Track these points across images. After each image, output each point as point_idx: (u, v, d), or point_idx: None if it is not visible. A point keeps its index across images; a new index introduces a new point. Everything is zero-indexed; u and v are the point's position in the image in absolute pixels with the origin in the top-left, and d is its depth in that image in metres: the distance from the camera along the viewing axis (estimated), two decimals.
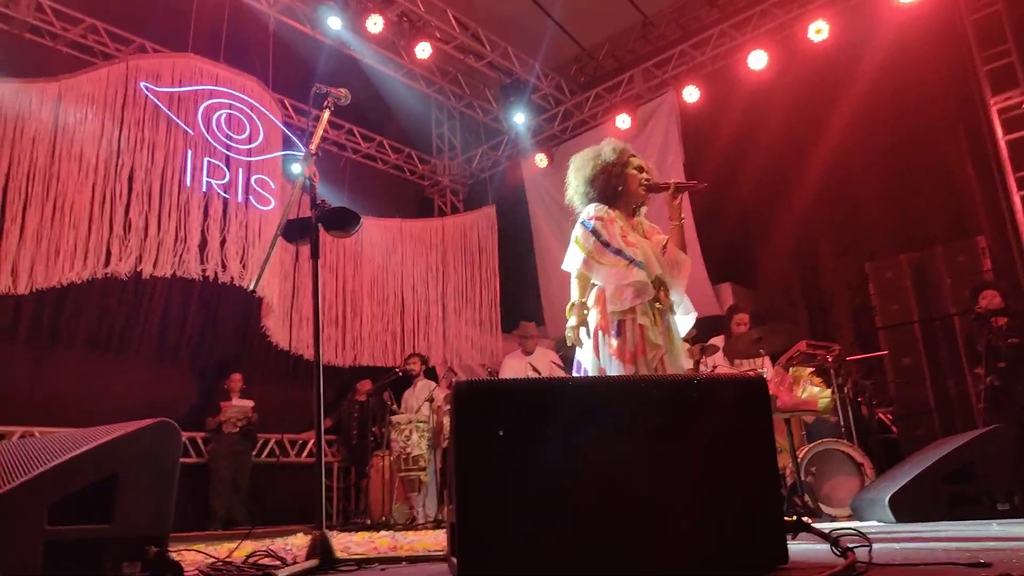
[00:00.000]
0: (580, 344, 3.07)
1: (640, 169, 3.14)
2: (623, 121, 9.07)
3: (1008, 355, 5.63)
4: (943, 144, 7.47)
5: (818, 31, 7.52)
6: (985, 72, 6.97)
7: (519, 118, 9.51)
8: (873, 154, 7.68)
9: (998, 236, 6.98)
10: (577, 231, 3.06)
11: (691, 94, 8.63)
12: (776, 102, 7.94)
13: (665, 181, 3.14)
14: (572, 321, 3.05)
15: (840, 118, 7.53)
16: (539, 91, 9.63)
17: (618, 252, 2.93)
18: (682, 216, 3.07)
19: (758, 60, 7.96)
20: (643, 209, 3.24)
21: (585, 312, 3.03)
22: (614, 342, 2.92)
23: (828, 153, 7.72)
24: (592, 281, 3.05)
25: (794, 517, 2.50)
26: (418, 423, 6.72)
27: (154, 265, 6.97)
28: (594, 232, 2.98)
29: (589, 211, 3.07)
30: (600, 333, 2.98)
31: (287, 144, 8.48)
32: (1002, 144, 6.80)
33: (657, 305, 2.95)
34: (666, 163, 8.82)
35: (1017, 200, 6.67)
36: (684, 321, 3.13)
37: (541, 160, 9.92)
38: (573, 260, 3.05)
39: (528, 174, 10.29)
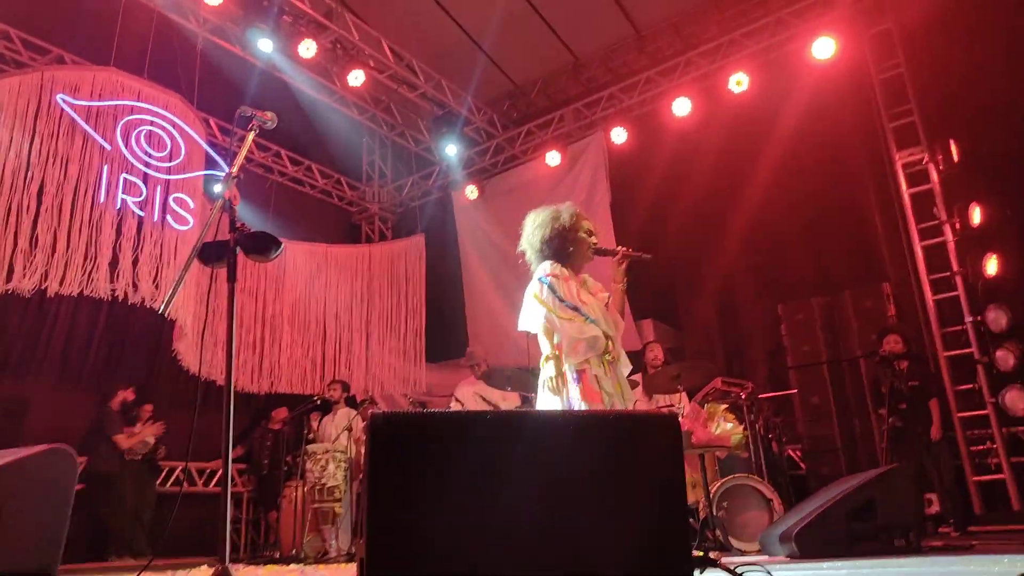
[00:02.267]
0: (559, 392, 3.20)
1: (589, 233, 3.38)
2: (553, 158, 9.23)
3: (909, 397, 5.93)
4: (855, 194, 7.88)
5: (739, 83, 7.87)
6: (891, 128, 7.40)
7: (451, 150, 9.56)
8: (792, 201, 8.01)
9: (902, 283, 7.36)
10: (534, 288, 3.26)
11: (619, 135, 8.86)
12: (700, 148, 8.23)
13: (614, 248, 3.38)
14: (549, 372, 3.18)
15: (761, 167, 7.86)
16: (471, 124, 9.72)
17: (575, 309, 3.16)
18: (625, 280, 3.34)
19: (682, 107, 8.26)
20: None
21: (560, 364, 3.16)
22: (576, 389, 3.12)
23: (750, 199, 8.02)
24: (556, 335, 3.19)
25: (703, 552, 2.54)
26: (335, 453, 6.56)
27: (60, 283, 6.64)
28: (551, 288, 3.19)
29: (545, 268, 3.28)
30: (559, 383, 3.13)
31: (210, 164, 8.27)
32: (906, 197, 7.21)
33: (607, 357, 3.19)
34: (593, 202, 8.99)
35: (919, 250, 7.07)
36: (625, 371, 3.35)
37: (472, 192, 9.98)
38: (535, 317, 3.21)
39: (458, 205, 10.33)
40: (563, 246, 3.32)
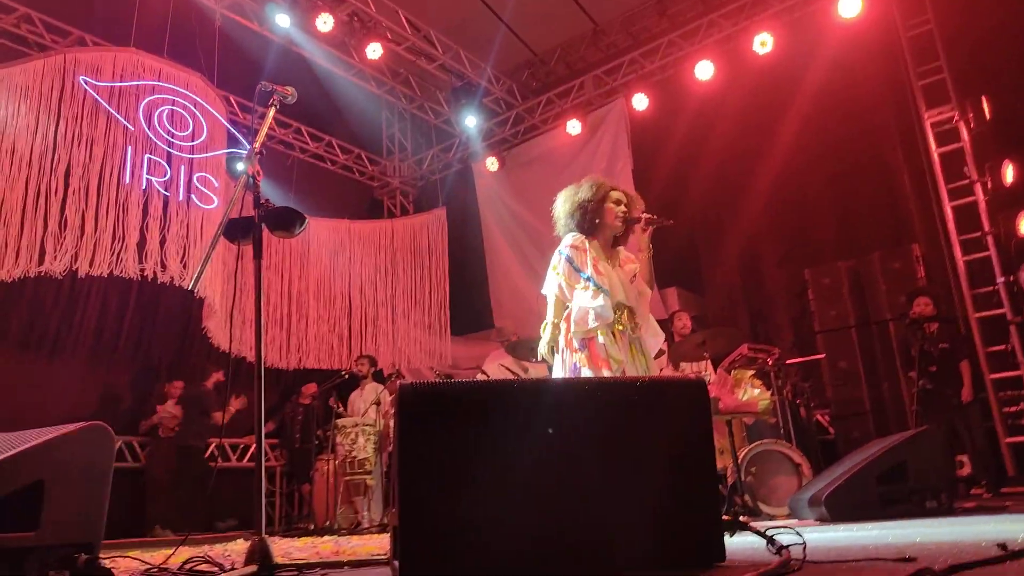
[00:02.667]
0: (551, 361, 3.38)
1: (618, 202, 3.41)
2: (573, 127, 9.15)
3: (939, 360, 5.85)
4: (882, 155, 7.73)
5: (763, 43, 7.71)
6: (920, 87, 7.24)
7: (470, 121, 9.51)
8: (816, 164, 7.90)
9: (931, 244, 7.25)
10: (555, 259, 3.37)
11: (640, 102, 8.75)
12: (723, 112, 8.11)
13: (637, 215, 3.41)
14: (545, 338, 3.35)
15: (785, 129, 7.73)
16: (491, 95, 9.65)
17: (588, 279, 3.25)
18: (651, 247, 3.39)
19: (705, 70, 8.12)
20: (628, 236, 3.52)
21: (557, 332, 3.31)
22: (582, 356, 3.20)
23: (773, 162, 7.92)
24: (567, 304, 3.31)
25: (733, 516, 2.56)
26: (364, 426, 6.65)
27: (90, 264, 6.74)
28: (568, 260, 3.31)
29: (567, 240, 3.38)
30: (567, 350, 3.25)
31: (232, 142, 8.31)
32: (935, 156, 7.06)
33: (619, 327, 3.24)
34: (615, 169, 8.92)
35: (949, 210, 6.94)
36: (652, 341, 3.41)
37: (492, 164, 9.94)
38: (551, 285, 3.35)
39: (479, 177, 10.30)
40: (584, 217, 3.38)
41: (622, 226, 3.42)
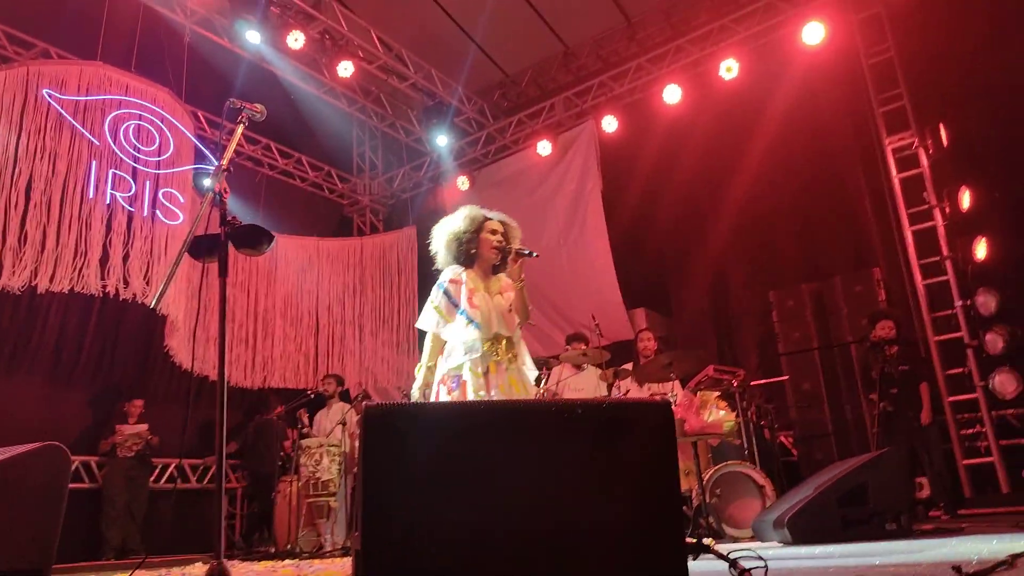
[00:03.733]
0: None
1: (494, 232, 3.45)
2: (544, 147, 9.22)
3: (900, 381, 5.96)
4: (845, 180, 7.90)
5: (728, 69, 7.86)
6: (881, 113, 7.42)
7: (442, 140, 9.53)
8: (781, 187, 8.03)
9: (892, 268, 7.40)
10: (433, 293, 3.41)
11: (610, 124, 8.85)
12: (691, 135, 8.24)
13: (507, 247, 3.45)
14: (418, 382, 3.32)
15: (751, 152, 7.88)
16: (462, 114, 9.69)
17: (462, 312, 3.28)
18: (522, 278, 3.38)
19: (673, 94, 8.25)
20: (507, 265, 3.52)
21: (431, 375, 3.32)
22: (457, 394, 3.21)
23: (740, 185, 8.05)
24: (443, 340, 3.34)
25: (696, 538, 2.57)
26: (330, 447, 6.56)
27: (50, 279, 6.63)
28: (446, 294, 3.35)
29: (446, 274, 3.44)
30: (443, 388, 3.27)
31: (199, 158, 8.23)
32: (896, 181, 7.23)
33: (495, 357, 3.25)
34: (585, 190, 9.01)
35: (909, 235, 7.09)
36: (530, 372, 3.45)
37: (463, 183, 9.96)
38: (427, 320, 3.36)
39: (450, 196, 10.30)
40: (460, 248, 3.42)
41: (498, 256, 3.45)
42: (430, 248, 3.60)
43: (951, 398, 6.62)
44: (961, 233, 6.67)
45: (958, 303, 6.64)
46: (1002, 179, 6.53)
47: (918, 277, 7.00)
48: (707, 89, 8.17)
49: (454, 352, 3.25)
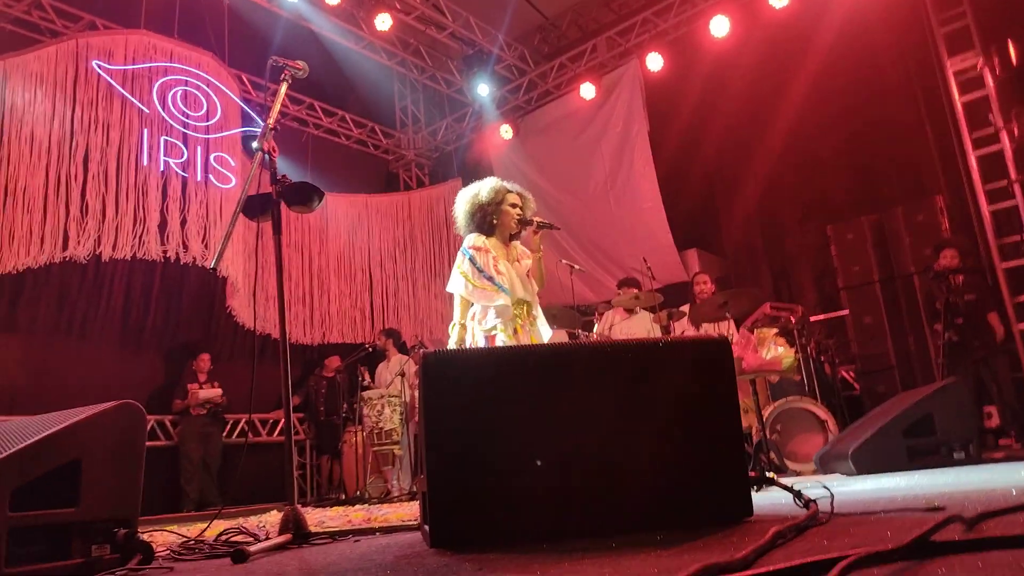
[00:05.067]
0: None
1: (514, 205, 3.68)
2: (588, 91, 9.05)
3: (965, 311, 5.78)
4: (901, 107, 7.58)
5: None
6: (942, 34, 7.05)
7: (483, 89, 9.42)
8: (834, 118, 7.76)
9: (955, 196, 7.12)
10: (458, 258, 3.62)
11: (655, 62, 8.61)
12: (739, 69, 7.97)
13: (530, 219, 3.72)
14: (453, 338, 3.56)
15: (801, 83, 7.59)
16: (502, 62, 9.55)
17: (489, 279, 3.51)
18: (540, 249, 3.71)
19: (720, 26, 7.96)
20: (523, 234, 3.79)
21: (464, 332, 3.57)
22: None
23: (790, 118, 7.79)
24: (471, 303, 3.59)
25: (759, 473, 2.56)
26: (390, 397, 6.72)
27: (113, 248, 6.84)
28: (471, 260, 3.55)
29: (469, 240, 3.64)
30: (476, 344, 3.52)
31: (246, 120, 8.32)
32: (958, 105, 6.91)
33: (519, 321, 3.51)
34: (631, 132, 8.83)
35: (973, 160, 6.80)
36: (548, 332, 3.71)
37: (506, 131, 9.87)
38: (456, 284, 3.58)
39: (494, 146, 10.24)
40: (484, 219, 3.64)
41: (518, 227, 3.70)
42: (455, 214, 3.80)
43: (1021, 325, 6.40)
44: None
45: None
46: None
47: (984, 203, 6.73)
48: (755, 18, 7.86)
49: (486, 314, 3.50)
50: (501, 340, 3.42)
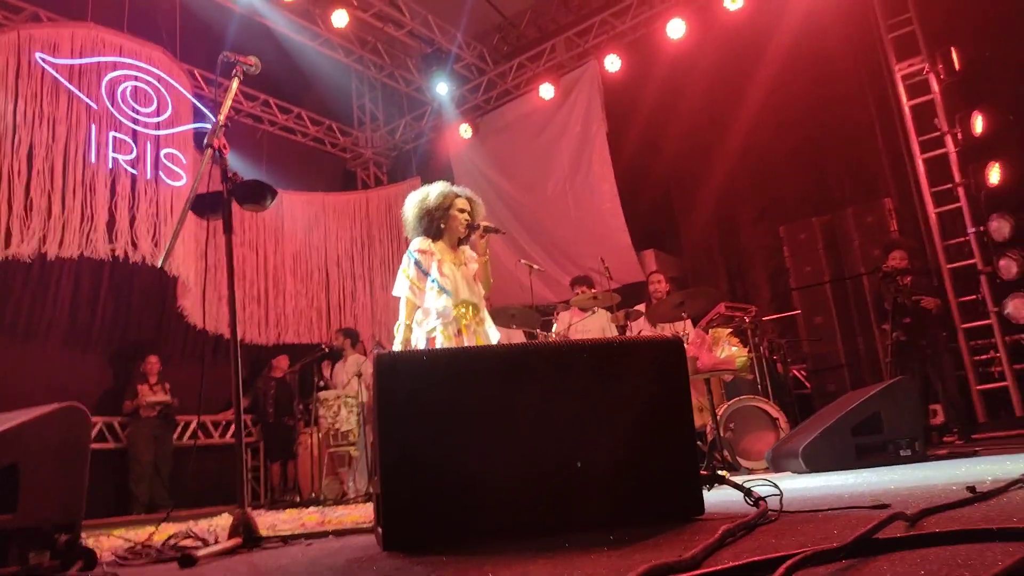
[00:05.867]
0: None
1: (462, 210, 3.71)
2: (547, 91, 9.08)
3: (913, 311, 5.93)
4: (853, 110, 7.75)
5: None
6: (890, 39, 7.24)
7: (442, 88, 9.38)
8: (789, 120, 7.91)
9: (904, 198, 7.31)
10: (404, 261, 3.67)
11: (613, 63, 8.68)
12: (695, 71, 8.07)
13: (476, 223, 3.76)
14: (399, 338, 3.58)
15: (757, 87, 7.72)
16: (462, 61, 9.52)
17: (433, 281, 3.57)
18: (487, 252, 3.77)
19: (676, 29, 8.06)
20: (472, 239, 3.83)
21: (410, 333, 3.60)
22: None
23: (746, 120, 7.92)
24: (417, 305, 3.62)
25: (711, 471, 2.60)
26: (347, 398, 6.65)
27: (59, 246, 6.64)
28: (416, 263, 3.61)
29: (415, 244, 3.67)
30: (417, 346, 3.57)
31: (198, 117, 8.15)
32: (906, 109, 7.10)
33: (463, 322, 3.55)
34: (590, 133, 8.88)
35: (920, 163, 6.99)
36: (494, 333, 3.75)
37: (466, 131, 9.85)
38: (401, 287, 3.63)
39: (453, 145, 10.21)
40: (432, 223, 3.67)
41: (465, 231, 3.73)
42: (403, 218, 3.81)
43: (964, 325, 6.60)
44: (973, 159, 6.56)
45: (971, 229, 6.58)
46: (1016, 102, 6.38)
47: (930, 205, 6.92)
48: (711, 22, 7.97)
49: (428, 316, 3.53)
50: (440, 342, 3.45)
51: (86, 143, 7.00)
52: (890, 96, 7.30)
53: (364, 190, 10.66)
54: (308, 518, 3.93)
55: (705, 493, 2.24)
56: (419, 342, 3.53)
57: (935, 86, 6.89)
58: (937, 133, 6.88)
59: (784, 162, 8.15)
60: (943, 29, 6.90)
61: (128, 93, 7.43)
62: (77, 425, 2.24)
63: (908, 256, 6.09)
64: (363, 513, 3.91)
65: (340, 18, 8.20)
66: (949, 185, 6.81)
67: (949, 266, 6.78)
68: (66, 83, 6.98)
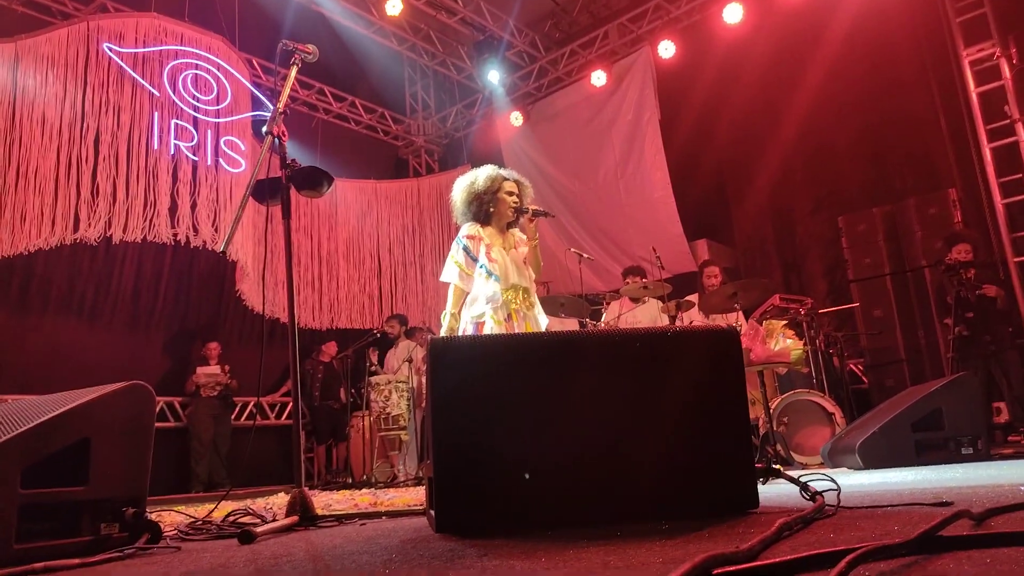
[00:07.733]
0: None
1: (510, 193, 3.70)
2: (598, 78, 8.99)
3: (976, 306, 5.74)
4: (916, 97, 7.50)
5: None
6: (958, 24, 6.97)
7: (493, 76, 9.38)
8: (848, 108, 7.69)
9: (969, 188, 7.05)
10: (453, 248, 3.67)
11: (667, 49, 8.55)
12: (751, 57, 7.90)
13: (525, 207, 3.74)
14: (444, 327, 3.59)
15: (814, 73, 7.52)
16: (513, 48, 9.50)
17: (481, 267, 3.56)
18: (536, 236, 3.73)
19: (733, 14, 7.89)
20: (521, 221, 3.80)
21: (455, 322, 3.60)
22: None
23: (803, 108, 7.72)
24: (465, 292, 3.63)
25: (765, 465, 2.56)
26: (397, 383, 6.74)
27: (124, 230, 6.86)
28: (465, 249, 3.61)
29: (464, 230, 3.67)
30: (466, 332, 3.56)
31: (256, 105, 8.32)
32: (973, 96, 6.83)
33: (513, 306, 3.54)
34: (642, 121, 8.78)
35: (987, 152, 6.73)
36: (543, 319, 3.74)
37: (516, 118, 9.84)
38: (450, 273, 3.64)
39: (503, 133, 10.20)
40: (480, 208, 3.67)
41: (514, 215, 3.72)
42: (452, 203, 3.81)
43: None
44: None
45: None
46: None
47: (997, 196, 6.66)
48: (769, 5, 7.79)
49: (476, 302, 3.52)
50: (489, 327, 3.43)
51: (149, 130, 7.20)
52: (956, 82, 7.03)
53: (415, 177, 10.75)
54: (361, 499, 4.00)
55: (760, 487, 2.21)
56: (467, 328, 3.53)
57: (1007, 72, 6.61)
58: (1007, 120, 6.60)
59: (843, 151, 7.93)
60: (1016, 11, 6.61)
61: (189, 81, 7.62)
62: (143, 402, 2.31)
63: (972, 249, 5.88)
64: (414, 496, 3.97)
65: (393, 6, 8.26)
66: (1019, 175, 6.54)
67: (1016, 259, 6.52)
68: (131, 71, 7.19)
